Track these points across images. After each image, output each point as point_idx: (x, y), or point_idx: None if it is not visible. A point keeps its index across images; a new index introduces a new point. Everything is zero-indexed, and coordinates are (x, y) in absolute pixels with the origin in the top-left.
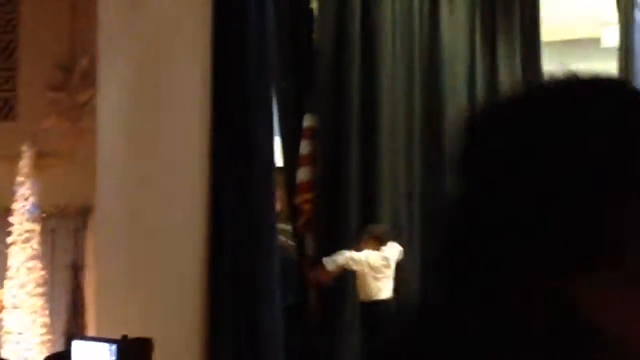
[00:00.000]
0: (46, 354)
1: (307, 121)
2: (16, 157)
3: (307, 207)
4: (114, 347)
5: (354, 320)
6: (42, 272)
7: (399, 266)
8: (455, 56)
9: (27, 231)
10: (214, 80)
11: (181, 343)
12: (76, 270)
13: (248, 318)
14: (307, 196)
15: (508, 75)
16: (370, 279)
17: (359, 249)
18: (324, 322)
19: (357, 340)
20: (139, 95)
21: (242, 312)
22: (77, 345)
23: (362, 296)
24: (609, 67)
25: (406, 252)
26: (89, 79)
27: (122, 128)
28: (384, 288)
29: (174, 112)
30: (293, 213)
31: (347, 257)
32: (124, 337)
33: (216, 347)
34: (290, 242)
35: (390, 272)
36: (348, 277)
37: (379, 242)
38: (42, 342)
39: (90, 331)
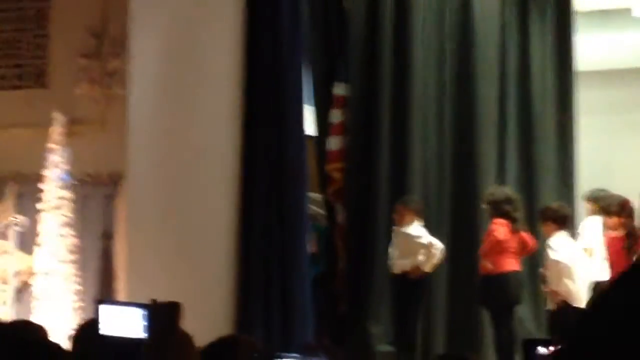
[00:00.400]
0: (78, 320)
1: (339, 90)
2: (47, 124)
3: (337, 175)
4: (144, 311)
5: (383, 291)
6: (74, 239)
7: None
8: (487, 24)
9: (59, 198)
10: (246, 47)
11: (211, 310)
12: (107, 237)
13: (278, 286)
14: (338, 165)
15: (540, 46)
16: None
17: (400, 223)
18: (353, 292)
19: (386, 310)
20: (170, 62)
21: (273, 279)
22: (105, 310)
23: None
24: None
25: (437, 224)
26: (121, 46)
27: (153, 95)
28: (422, 262)
29: (205, 79)
30: (324, 182)
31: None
32: (154, 301)
33: (246, 314)
34: (321, 211)
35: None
36: (377, 247)
37: (416, 215)
38: (74, 309)
39: (121, 298)
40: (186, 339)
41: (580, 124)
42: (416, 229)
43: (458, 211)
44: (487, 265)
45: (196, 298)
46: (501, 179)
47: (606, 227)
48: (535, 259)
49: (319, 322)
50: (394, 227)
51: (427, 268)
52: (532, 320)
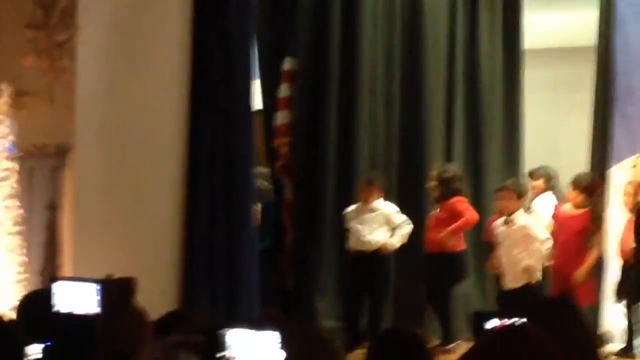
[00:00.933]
0: (23, 292)
1: (287, 64)
2: None
3: (285, 150)
4: (97, 286)
5: (330, 266)
6: (20, 211)
7: None
8: (437, 1)
9: (5, 170)
10: (195, 21)
11: (157, 283)
12: (53, 209)
13: (224, 260)
14: (286, 139)
15: (488, 24)
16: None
17: (367, 199)
18: (300, 267)
19: (333, 286)
20: (119, 35)
21: (219, 254)
22: (60, 286)
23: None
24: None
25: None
26: (69, 17)
27: (102, 68)
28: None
29: (153, 52)
30: (271, 156)
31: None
32: (108, 276)
33: (192, 289)
34: (268, 185)
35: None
36: (325, 222)
37: (382, 192)
38: (19, 281)
39: (66, 270)
40: (140, 314)
41: (527, 101)
42: (388, 205)
43: (405, 187)
44: (447, 243)
45: (141, 271)
46: (448, 155)
47: (572, 204)
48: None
49: (265, 297)
50: (360, 204)
51: (398, 244)
52: (478, 295)
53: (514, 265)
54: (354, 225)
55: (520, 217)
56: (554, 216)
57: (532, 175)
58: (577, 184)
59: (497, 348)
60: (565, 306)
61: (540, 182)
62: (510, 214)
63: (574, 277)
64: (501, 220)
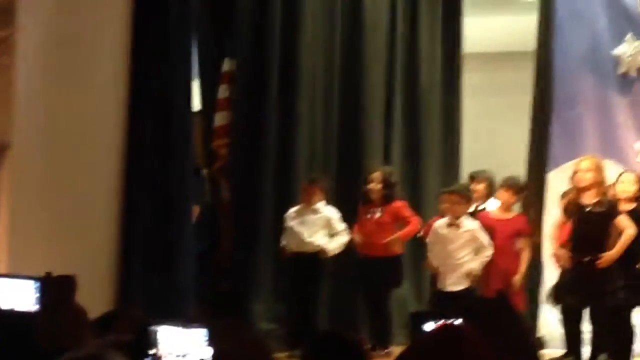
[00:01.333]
0: None
1: (226, 65)
2: None
3: (223, 151)
4: (37, 284)
5: (267, 268)
6: None
7: None
8: (378, 3)
9: None
10: (134, 21)
11: (93, 281)
12: None
13: (161, 260)
14: (224, 141)
15: (428, 27)
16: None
17: (309, 201)
18: (236, 268)
19: (269, 288)
20: (59, 34)
21: (156, 253)
22: None
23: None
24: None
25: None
26: (9, 15)
27: (41, 66)
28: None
29: (93, 51)
30: (209, 158)
31: None
32: (48, 274)
33: (128, 286)
34: (206, 187)
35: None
36: (262, 223)
37: (323, 193)
38: None
39: (2, 267)
40: (80, 312)
41: (466, 105)
42: (330, 209)
43: (342, 190)
44: (392, 247)
45: (78, 269)
46: (386, 158)
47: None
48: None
49: (200, 299)
50: (302, 205)
51: (336, 251)
52: (412, 299)
53: (457, 268)
54: (295, 226)
55: (466, 221)
56: (481, 220)
57: (475, 178)
58: (507, 186)
59: (433, 348)
60: (503, 308)
61: (482, 187)
62: (457, 218)
63: (513, 282)
64: (443, 221)
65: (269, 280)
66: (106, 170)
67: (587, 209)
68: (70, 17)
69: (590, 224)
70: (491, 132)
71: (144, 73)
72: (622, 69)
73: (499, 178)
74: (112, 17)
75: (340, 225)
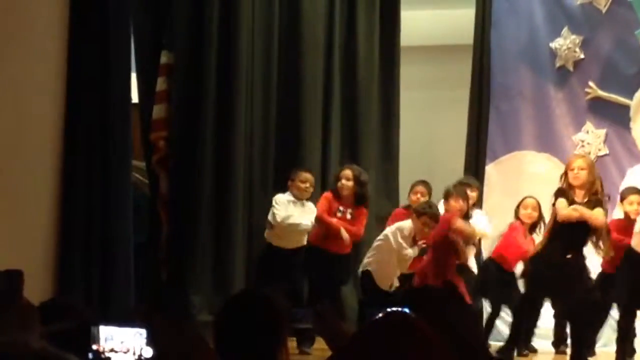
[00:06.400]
0: None
1: (164, 57)
2: None
3: (161, 144)
4: None
5: (205, 258)
6: None
7: None
8: None
9: None
10: (71, 13)
11: (30, 275)
12: None
13: (99, 253)
14: (162, 133)
15: (366, 20)
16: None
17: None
18: (175, 260)
19: (208, 278)
20: None
21: (94, 246)
22: None
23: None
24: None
25: (260, 195)
26: None
27: None
28: None
29: (29, 44)
30: (147, 150)
31: None
32: None
33: (66, 279)
34: (144, 180)
35: None
36: (202, 216)
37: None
38: None
39: None
40: (28, 306)
41: (405, 98)
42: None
43: (281, 180)
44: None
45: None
46: (324, 151)
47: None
48: None
49: (139, 291)
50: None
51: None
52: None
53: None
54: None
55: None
56: None
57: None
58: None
59: (378, 336)
60: (451, 297)
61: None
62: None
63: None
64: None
65: (207, 272)
66: (43, 162)
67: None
68: (4, 9)
69: (577, 223)
70: (430, 125)
71: (82, 66)
72: (559, 63)
73: (439, 173)
74: (48, 10)
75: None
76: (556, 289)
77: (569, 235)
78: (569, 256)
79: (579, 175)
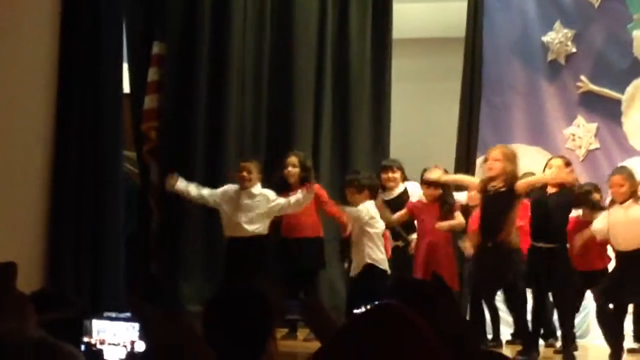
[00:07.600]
0: None
1: (156, 48)
2: None
3: (153, 134)
4: None
5: (196, 251)
6: None
7: None
8: None
9: None
10: (64, 4)
11: (22, 267)
12: None
13: (90, 243)
14: (154, 123)
15: (359, 12)
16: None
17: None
18: (165, 251)
19: (199, 268)
20: None
21: (85, 237)
22: None
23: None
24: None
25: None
26: None
27: None
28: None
29: (22, 34)
30: (139, 140)
31: None
32: None
33: (57, 271)
34: (135, 170)
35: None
36: (193, 207)
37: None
38: None
39: None
40: (22, 299)
41: (396, 90)
42: (270, 191)
43: (271, 173)
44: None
45: (3, 253)
46: (316, 142)
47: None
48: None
49: (130, 281)
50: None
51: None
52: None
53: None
54: (229, 211)
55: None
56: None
57: (390, 168)
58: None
59: (368, 326)
60: (439, 289)
61: (398, 175)
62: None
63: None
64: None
65: (197, 262)
66: (34, 153)
67: (490, 193)
68: None
69: (490, 208)
70: (421, 118)
71: (74, 56)
72: (551, 56)
73: (431, 164)
74: (40, 1)
75: (282, 199)
76: (487, 278)
77: (482, 223)
78: (489, 244)
79: (492, 166)
